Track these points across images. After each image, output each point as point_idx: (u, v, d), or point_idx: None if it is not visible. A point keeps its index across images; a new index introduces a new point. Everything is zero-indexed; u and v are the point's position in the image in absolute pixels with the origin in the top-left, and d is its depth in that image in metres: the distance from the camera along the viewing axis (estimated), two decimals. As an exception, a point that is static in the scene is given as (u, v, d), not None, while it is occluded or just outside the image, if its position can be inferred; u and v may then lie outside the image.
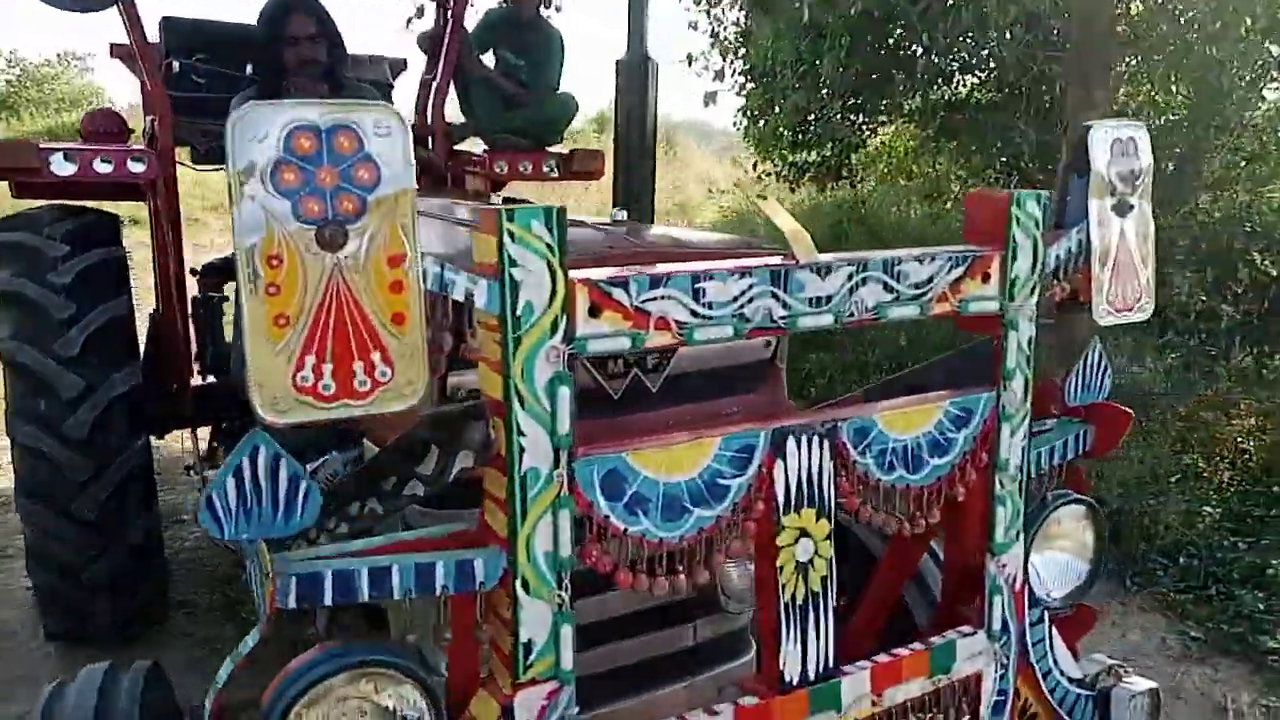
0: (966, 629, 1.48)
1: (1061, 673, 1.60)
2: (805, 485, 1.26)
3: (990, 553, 1.46)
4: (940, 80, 7.60)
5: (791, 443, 1.25)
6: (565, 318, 1.07)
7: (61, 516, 3.01)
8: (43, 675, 2.80)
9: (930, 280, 1.31)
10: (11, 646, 3.38)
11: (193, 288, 3.82)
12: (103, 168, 3.11)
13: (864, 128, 7.77)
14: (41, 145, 3.08)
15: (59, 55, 29.27)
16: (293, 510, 1.04)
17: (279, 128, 0.92)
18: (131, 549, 3.08)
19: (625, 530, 1.15)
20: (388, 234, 0.96)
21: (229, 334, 3.95)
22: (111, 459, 3.02)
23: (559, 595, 1.12)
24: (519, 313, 1.04)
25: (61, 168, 3.07)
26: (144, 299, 3.62)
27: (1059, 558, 1.63)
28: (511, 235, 1.02)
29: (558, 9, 4.50)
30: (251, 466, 1.02)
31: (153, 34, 3.59)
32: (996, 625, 1.48)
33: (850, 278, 1.25)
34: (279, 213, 0.92)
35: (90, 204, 3.47)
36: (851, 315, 1.26)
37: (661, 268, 1.18)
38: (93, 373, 3.00)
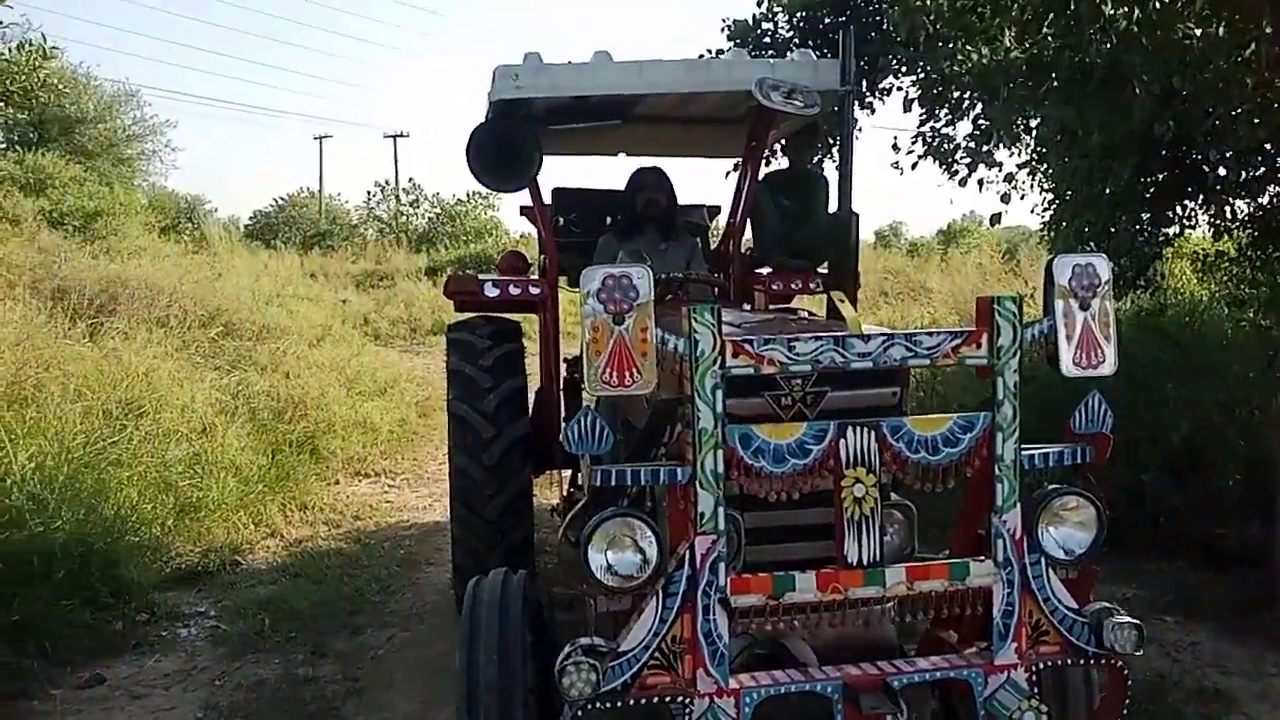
0: (980, 558, 2.41)
1: (1061, 602, 2.43)
2: (859, 453, 2.31)
3: (995, 512, 2.38)
4: (1240, 192, 7.72)
5: (850, 430, 2.32)
6: (720, 356, 2.25)
7: (476, 516, 4.36)
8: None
9: (937, 345, 2.34)
10: (443, 608, 5.03)
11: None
12: (514, 291, 4.71)
13: (1158, 240, 8.01)
14: (480, 277, 4.78)
15: (468, 195, 34.59)
16: (600, 443, 2.29)
17: (600, 275, 2.22)
18: (516, 544, 4.40)
19: (750, 465, 2.28)
20: (641, 318, 2.22)
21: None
22: (509, 480, 4.37)
23: (717, 491, 2.27)
24: (697, 354, 2.24)
25: (490, 291, 4.68)
26: (532, 379, 5.13)
27: (1065, 530, 2.47)
28: (694, 318, 2.24)
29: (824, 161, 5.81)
30: (583, 421, 2.28)
31: (547, 198, 5.18)
32: (1000, 557, 2.38)
33: (884, 342, 2.32)
34: (598, 310, 2.21)
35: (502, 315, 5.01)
36: (884, 363, 2.32)
37: (771, 334, 2.34)
38: (501, 423, 4.40)
